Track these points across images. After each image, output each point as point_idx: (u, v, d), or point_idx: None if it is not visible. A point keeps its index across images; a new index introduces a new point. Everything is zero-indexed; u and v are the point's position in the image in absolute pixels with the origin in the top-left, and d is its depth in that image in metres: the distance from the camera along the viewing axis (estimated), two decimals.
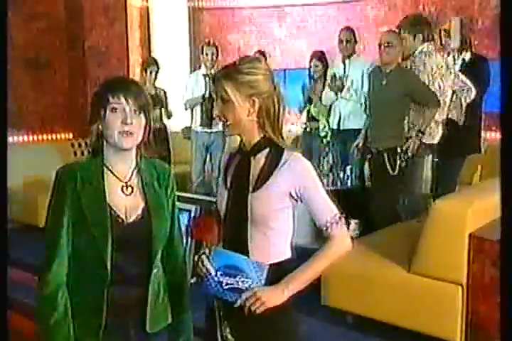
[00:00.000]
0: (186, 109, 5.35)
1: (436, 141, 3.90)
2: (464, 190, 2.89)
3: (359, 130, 4.65)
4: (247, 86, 1.67)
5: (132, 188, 1.67)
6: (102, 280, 1.59)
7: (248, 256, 1.68)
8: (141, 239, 1.65)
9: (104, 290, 1.59)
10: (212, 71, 5.27)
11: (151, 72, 5.20)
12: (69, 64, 6.14)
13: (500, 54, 1.71)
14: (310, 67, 5.18)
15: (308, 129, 5.34)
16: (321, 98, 5.02)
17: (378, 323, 2.90)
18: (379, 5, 6.70)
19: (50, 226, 1.61)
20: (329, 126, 4.94)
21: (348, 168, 4.50)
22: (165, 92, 5.38)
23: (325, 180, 4.48)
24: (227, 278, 1.66)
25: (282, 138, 1.74)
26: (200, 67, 5.46)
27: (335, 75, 4.72)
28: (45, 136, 6.19)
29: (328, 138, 4.89)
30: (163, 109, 5.33)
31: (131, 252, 1.63)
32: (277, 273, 1.69)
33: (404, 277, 2.78)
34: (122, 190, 1.66)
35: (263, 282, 1.63)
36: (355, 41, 4.89)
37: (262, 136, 1.72)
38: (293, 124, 6.43)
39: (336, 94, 4.75)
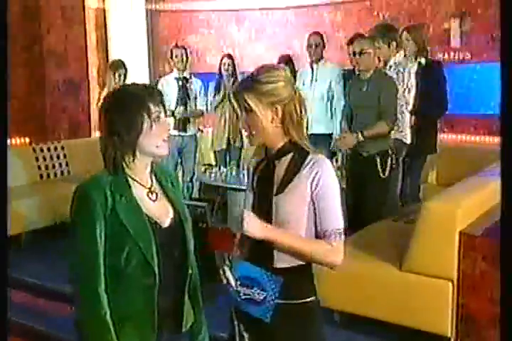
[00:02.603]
0: None
1: (408, 141, 4.07)
2: (449, 190, 3.03)
3: (324, 135, 4.78)
4: (268, 95, 1.71)
5: (156, 194, 1.68)
6: (151, 289, 1.60)
7: (272, 258, 1.73)
8: (178, 242, 1.69)
9: (154, 298, 1.60)
10: (185, 74, 5.27)
11: (119, 75, 5.12)
12: (25, 66, 5.94)
13: (500, 56, 1.82)
14: None
15: None
16: None
17: (370, 321, 3.00)
18: (335, 10, 6.87)
19: (84, 247, 1.56)
20: None
21: None
22: None
23: None
24: (245, 288, 1.72)
25: (307, 140, 1.79)
26: (172, 70, 5.46)
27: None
28: None
29: None
30: None
31: (170, 257, 1.65)
32: (299, 276, 1.74)
33: (395, 275, 2.89)
34: (148, 196, 1.66)
35: (277, 295, 1.68)
36: (324, 46, 5.00)
37: (286, 140, 1.76)
38: None
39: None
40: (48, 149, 5.45)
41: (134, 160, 1.62)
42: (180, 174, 5.48)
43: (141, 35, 6.91)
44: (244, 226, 1.63)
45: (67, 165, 5.54)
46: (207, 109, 5.46)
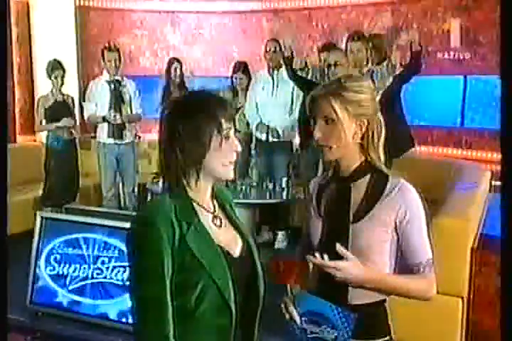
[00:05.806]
0: (90, 123, 4.94)
1: None
2: (447, 205, 3.01)
3: (286, 142, 4.71)
4: (356, 105, 1.55)
5: (220, 219, 1.47)
6: (226, 330, 1.37)
7: (346, 294, 1.55)
8: (249, 274, 1.47)
9: (231, 338, 1.38)
10: (117, 77, 4.86)
11: (56, 77, 4.63)
12: None
13: (500, 71, 1.79)
14: (232, 77, 5.07)
15: None
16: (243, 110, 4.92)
17: None
18: (274, 18, 6.79)
19: (150, 286, 1.31)
20: (256, 137, 4.83)
21: (284, 180, 4.46)
22: (73, 99, 4.86)
23: (253, 192, 4.42)
24: (311, 325, 1.50)
25: (382, 163, 1.63)
26: (101, 72, 5.07)
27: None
28: None
29: (257, 149, 4.81)
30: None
31: (243, 291, 1.42)
32: (375, 313, 1.58)
33: None
34: (214, 222, 1.44)
35: (350, 334, 1.47)
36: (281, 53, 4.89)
37: (362, 160, 1.59)
38: None
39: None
40: None
41: (196, 182, 1.40)
42: (120, 185, 5.11)
43: (69, 34, 6.37)
44: (348, 273, 1.44)
45: None
46: (144, 113, 5.10)
